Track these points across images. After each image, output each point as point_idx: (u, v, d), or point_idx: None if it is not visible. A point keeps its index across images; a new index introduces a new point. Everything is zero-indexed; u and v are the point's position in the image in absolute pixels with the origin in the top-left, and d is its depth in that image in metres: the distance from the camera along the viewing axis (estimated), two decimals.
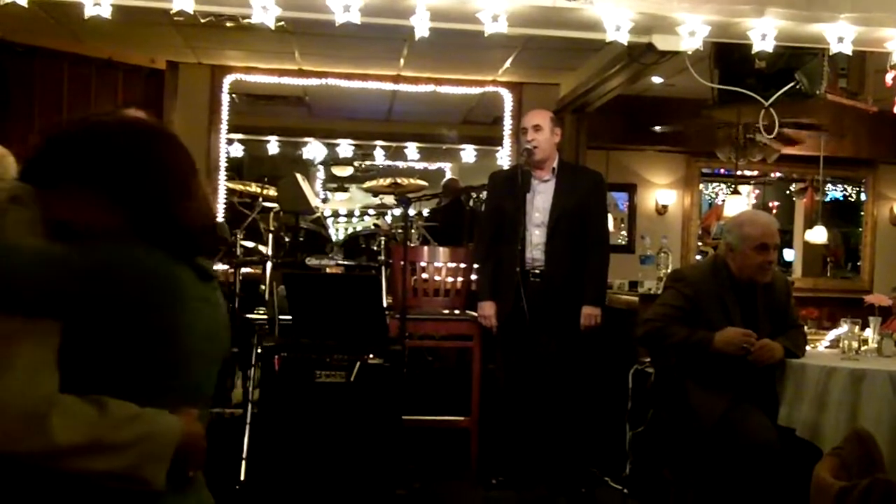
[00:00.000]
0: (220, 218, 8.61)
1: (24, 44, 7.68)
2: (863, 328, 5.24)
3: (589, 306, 5.97)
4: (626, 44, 5.92)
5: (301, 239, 6.87)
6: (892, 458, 4.13)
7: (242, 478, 5.65)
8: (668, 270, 6.30)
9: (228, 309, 2.37)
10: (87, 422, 1.86)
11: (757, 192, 13.01)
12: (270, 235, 6.65)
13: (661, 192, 11.10)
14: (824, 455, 3.10)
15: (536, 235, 5.98)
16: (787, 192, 12.73)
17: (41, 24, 7.41)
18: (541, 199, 6.03)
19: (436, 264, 6.66)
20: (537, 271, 5.96)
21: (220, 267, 7.23)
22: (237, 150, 11.02)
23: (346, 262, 6.99)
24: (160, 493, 1.94)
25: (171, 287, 2.01)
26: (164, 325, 1.99)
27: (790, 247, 12.11)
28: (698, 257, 10.93)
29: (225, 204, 8.88)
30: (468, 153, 11.80)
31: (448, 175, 13.33)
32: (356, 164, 13.25)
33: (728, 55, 6.45)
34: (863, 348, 5.10)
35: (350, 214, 14.21)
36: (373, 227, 8.45)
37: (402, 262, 6.11)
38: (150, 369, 1.98)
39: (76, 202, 2.01)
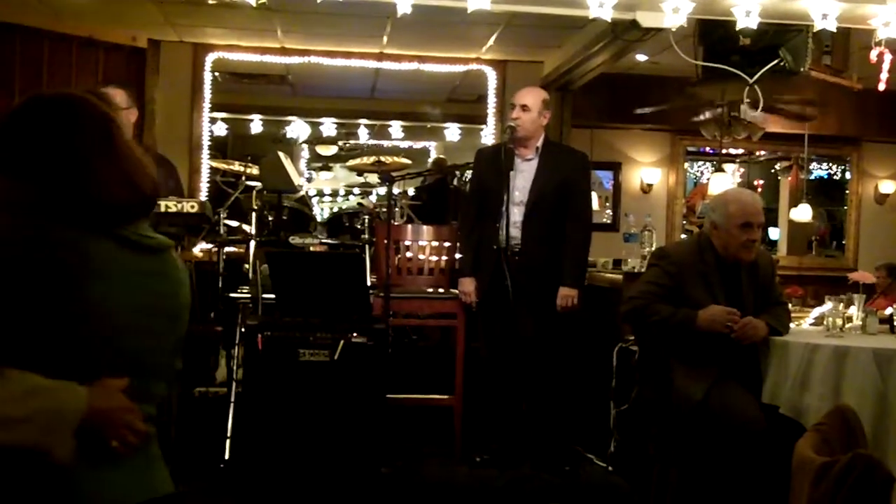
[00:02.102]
0: (203, 196, 8.58)
1: (4, 22, 7.62)
2: (847, 306, 5.25)
3: (565, 287, 5.94)
4: (609, 20, 5.89)
5: (285, 218, 6.83)
6: (874, 434, 4.14)
7: (227, 456, 5.65)
8: (652, 249, 6.28)
9: (197, 283, 2.37)
10: None
11: (742, 170, 13.05)
12: (254, 214, 6.62)
13: (646, 170, 11.10)
14: (807, 431, 3.10)
15: (515, 214, 5.95)
16: (772, 170, 12.76)
17: (21, 2, 7.36)
18: (522, 178, 6.00)
19: (420, 243, 6.64)
20: (516, 250, 5.94)
21: (203, 246, 7.21)
22: (221, 129, 10.98)
23: (329, 241, 6.96)
24: (78, 466, 1.96)
25: (78, 261, 2.02)
26: (73, 298, 2.00)
27: (775, 225, 12.14)
28: (683, 236, 10.94)
29: (208, 182, 8.84)
30: (452, 131, 11.78)
31: (433, 153, 13.34)
32: (340, 142, 13.21)
33: (712, 32, 6.43)
34: (847, 326, 5.11)
35: (334, 193, 14.21)
36: (357, 206, 8.43)
37: (385, 241, 6.10)
38: (61, 342, 1.99)
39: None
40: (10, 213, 2.05)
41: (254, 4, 5.61)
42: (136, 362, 2.12)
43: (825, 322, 5.02)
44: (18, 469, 1.96)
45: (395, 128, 11.96)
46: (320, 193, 14.18)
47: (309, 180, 13.48)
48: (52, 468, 1.95)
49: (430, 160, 12.87)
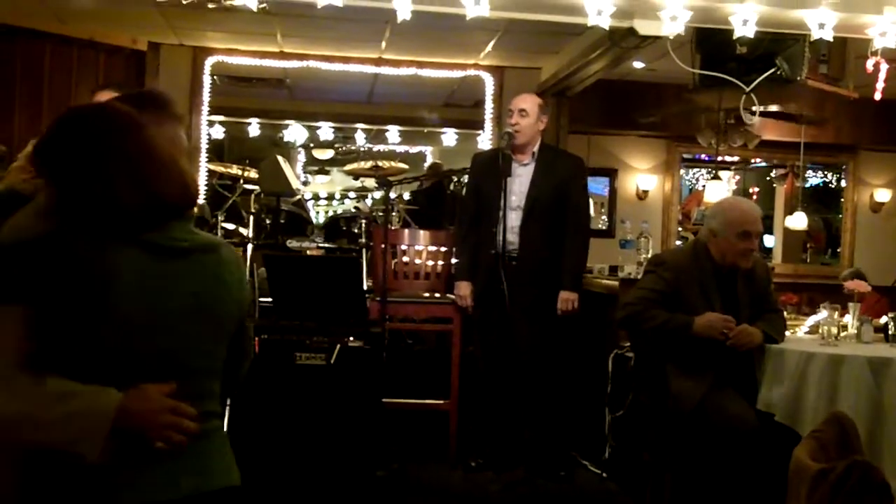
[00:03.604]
0: (200, 199, 8.58)
1: (6, 24, 7.64)
2: (842, 314, 5.26)
3: (566, 291, 5.97)
4: (607, 28, 5.90)
5: (282, 221, 6.85)
6: (870, 441, 4.16)
7: None
8: (649, 255, 6.30)
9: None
10: (21, 397, 2.02)
11: (737, 177, 13.05)
12: (251, 217, 6.64)
13: (642, 176, 11.10)
14: (803, 438, 3.12)
15: (512, 219, 5.97)
16: (768, 177, 12.76)
17: (23, 5, 7.36)
18: (518, 183, 6.02)
19: (416, 247, 6.65)
20: (513, 255, 5.96)
21: None
22: (218, 132, 10.98)
23: (326, 245, 6.98)
24: (118, 464, 2.08)
25: (99, 270, 2.09)
26: (95, 306, 2.07)
27: (771, 233, 12.15)
28: (678, 242, 10.95)
29: (206, 186, 8.84)
30: (449, 136, 11.80)
31: (430, 158, 13.35)
32: (337, 146, 13.21)
33: (709, 40, 6.44)
34: (842, 334, 5.11)
35: (331, 197, 14.19)
36: (354, 210, 8.44)
37: (382, 245, 6.11)
38: (89, 348, 2.08)
39: (50, 190, 2.24)
40: (40, 221, 2.18)
41: (254, 9, 5.61)
42: (175, 364, 2.20)
43: (820, 330, 5.03)
44: (56, 468, 2.08)
45: (393, 132, 11.95)
46: (316, 197, 14.15)
47: (305, 184, 13.47)
48: (87, 467, 2.04)
49: (427, 165, 12.89)
